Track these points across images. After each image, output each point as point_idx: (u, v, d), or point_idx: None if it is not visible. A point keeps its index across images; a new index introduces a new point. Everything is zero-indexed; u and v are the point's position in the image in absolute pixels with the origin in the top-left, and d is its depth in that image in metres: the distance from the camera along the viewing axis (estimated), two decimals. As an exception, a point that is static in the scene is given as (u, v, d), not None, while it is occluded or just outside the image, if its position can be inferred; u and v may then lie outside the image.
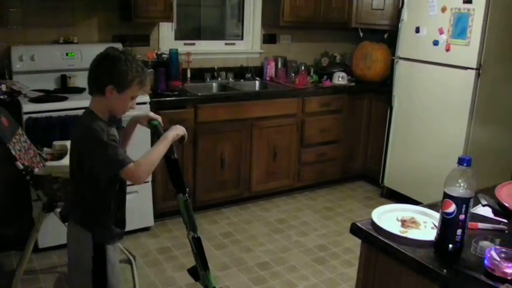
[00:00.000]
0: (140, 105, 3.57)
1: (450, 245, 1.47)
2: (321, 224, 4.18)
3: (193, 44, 4.70)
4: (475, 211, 1.82)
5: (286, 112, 4.47)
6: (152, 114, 2.31)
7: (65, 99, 3.50)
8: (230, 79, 4.72)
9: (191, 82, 4.48)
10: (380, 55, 4.90)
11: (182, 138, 2.22)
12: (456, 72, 3.96)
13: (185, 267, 3.32)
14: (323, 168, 4.87)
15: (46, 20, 3.87)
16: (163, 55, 4.25)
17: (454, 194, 1.44)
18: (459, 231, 1.45)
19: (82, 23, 4.04)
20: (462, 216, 1.44)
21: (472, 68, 3.84)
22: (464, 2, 3.84)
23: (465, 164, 1.44)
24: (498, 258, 1.38)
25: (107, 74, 2.01)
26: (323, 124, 4.73)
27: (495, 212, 1.83)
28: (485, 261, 1.40)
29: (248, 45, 5.01)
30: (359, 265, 1.76)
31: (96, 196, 2.07)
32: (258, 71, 4.95)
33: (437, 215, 1.59)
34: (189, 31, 4.82)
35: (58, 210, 2.86)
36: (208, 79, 4.62)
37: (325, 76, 4.95)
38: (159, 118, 2.30)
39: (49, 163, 2.83)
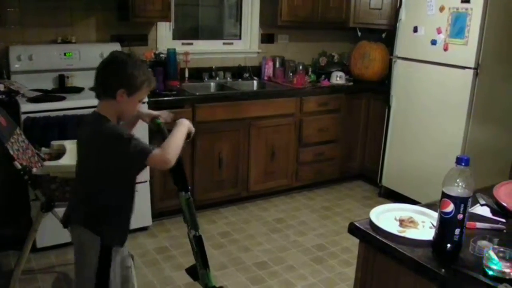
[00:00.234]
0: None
1: (448, 245, 1.47)
2: (319, 224, 4.18)
3: (191, 43, 4.70)
4: (473, 211, 1.82)
5: (284, 112, 4.47)
6: (154, 113, 2.36)
7: (63, 99, 3.50)
8: (228, 78, 4.72)
9: (189, 81, 4.48)
10: (378, 55, 4.91)
11: (188, 134, 2.26)
12: (454, 72, 3.96)
13: (183, 267, 3.32)
14: (321, 167, 4.87)
15: (44, 20, 3.87)
16: (161, 55, 4.24)
17: (452, 193, 1.44)
18: (457, 231, 1.45)
19: (80, 23, 4.04)
20: (460, 216, 1.44)
21: (470, 68, 3.85)
22: (462, 2, 3.84)
23: (463, 164, 1.45)
24: (496, 258, 1.38)
25: (116, 78, 2.02)
26: (321, 123, 4.73)
27: (493, 211, 1.84)
28: (483, 261, 1.40)
29: (246, 45, 5.01)
30: (357, 265, 1.76)
31: (110, 196, 2.09)
32: (256, 71, 4.95)
33: (435, 215, 1.59)
34: (187, 31, 4.82)
35: (56, 210, 2.86)
36: (206, 79, 4.62)
37: (323, 76, 4.96)
38: (163, 114, 2.36)
39: (47, 163, 2.83)
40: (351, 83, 4.98)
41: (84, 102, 3.48)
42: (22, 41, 3.80)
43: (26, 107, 3.27)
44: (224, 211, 4.31)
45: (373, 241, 1.63)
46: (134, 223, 3.70)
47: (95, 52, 3.98)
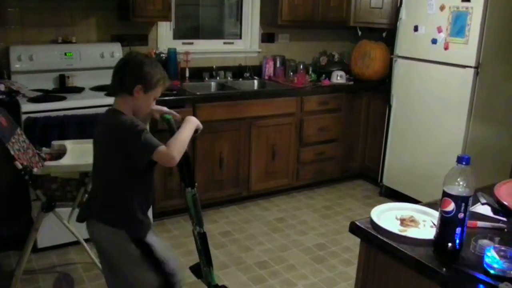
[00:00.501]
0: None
1: (449, 244, 1.47)
2: (320, 223, 4.18)
3: (192, 43, 4.70)
4: (474, 210, 1.82)
5: (285, 111, 4.47)
6: (165, 109, 2.43)
7: (63, 98, 3.50)
8: (229, 78, 4.72)
9: (190, 81, 4.48)
10: (379, 54, 4.91)
11: (195, 130, 2.35)
12: (455, 71, 3.96)
13: (184, 266, 3.33)
14: (322, 167, 4.87)
15: (45, 20, 3.87)
16: (161, 55, 4.25)
17: (453, 192, 1.44)
18: (458, 230, 1.45)
19: (81, 23, 4.04)
20: (461, 215, 1.44)
21: (470, 67, 3.84)
22: (462, 1, 3.84)
23: (464, 163, 1.44)
24: (497, 257, 1.38)
25: (135, 75, 2.14)
26: (322, 123, 4.73)
27: (494, 210, 1.84)
28: (484, 260, 1.40)
29: (246, 44, 5.01)
30: (358, 264, 1.76)
31: (128, 188, 2.16)
32: (257, 70, 4.95)
33: (436, 214, 1.59)
34: (188, 31, 4.81)
35: (57, 210, 2.86)
36: (206, 78, 4.62)
37: (323, 75, 4.96)
38: (173, 112, 2.43)
39: (48, 163, 2.83)
40: (351, 82, 4.97)
41: (85, 102, 3.49)
42: (22, 41, 3.80)
43: (26, 107, 3.28)
44: (225, 210, 4.31)
45: (374, 240, 1.63)
46: (135, 223, 3.69)
47: (96, 52, 3.99)
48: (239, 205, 4.44)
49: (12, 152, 2.64)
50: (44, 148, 3.07)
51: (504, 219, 1.77)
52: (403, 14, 4.39)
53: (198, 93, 4.07)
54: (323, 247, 3.77)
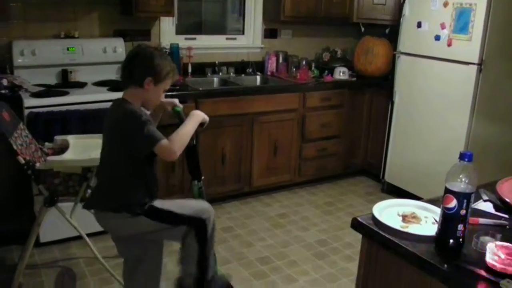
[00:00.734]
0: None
1: (451, 240, 1.47)
2: (322, 219, 4.18)
3: (194, 38, 4.70)
4: (476, 207, 1.82)
5: (287, 107, 4.47)
6: (176, 102, 2.48)
7: (66, 93, 3.51)
8: (231, 74, 4.72)
9: (192, 76, 4.48)
10: (382, 50, 4.89)
11: (202, 124, 2.41)
12: (458, 67, 3.95)
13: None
14: (324, 163, 4.87)
15: (47, 15, 3.87)
16: (164, 50, 4.24)
17: (455, 189, 1.44)
18: (460, 226, 1.45)
19: (83, 18, 4.04)
20: (463, 211, 1.44)
21: (473, 64, 3.84)
22: (466, -3, 3.83)
23: (466, 159, 1.44)
24: (499, 253, 1.38)
25: (145, 68, 2.19)
26: (324, 119, 4.73)
27: (496, 207, 1.83)
28: (486, 257, 1.40)
29: (249, 40, 5.00)
30: (359, 260, 1.76)
31: (134, 175, 2.22)
32: (259, 66, 4.94)
33: (438, 210, 1.59)
34: (190, 26, 4.81)
35: (60, 204, 2.87)
36: (209, 74, 4.61)
37: (326, 71, 4.95)
38: (181, 106, 2.49)
39: (50, 158, 2.83)
40: (354, 79, 4.97)
41: (87, 97, 3.49)
42: (25, 36, 3.80)
43: (29, 102, 3.28)
44: (227, 206, 4.32)
45: (375, 237, 1.63)
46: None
47: (98, 47, 3.99)
48: (241, 201, 4.44)
49: (14, 147, 2.65)
50: (46, 143, 3.08)
51: (506, 216, 1.76)
52: (406, 10, 4.38)
53: (200, 89, 4.07)
54: (325, 243, 3.78)
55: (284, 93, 4.44)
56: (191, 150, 2.43)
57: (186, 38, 4.62)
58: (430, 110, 4.23)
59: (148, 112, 2.33)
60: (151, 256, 2.44)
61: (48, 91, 3.56)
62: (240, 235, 3.84)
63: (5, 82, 3.43)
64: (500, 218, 1.75)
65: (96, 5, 4.04)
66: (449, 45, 4.01)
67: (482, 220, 1.70)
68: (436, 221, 1.63)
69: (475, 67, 3.83)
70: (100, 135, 3.08)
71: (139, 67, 2.19)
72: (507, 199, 1.80)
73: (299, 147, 4.66)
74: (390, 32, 4.87)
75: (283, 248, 3.67)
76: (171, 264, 3.33)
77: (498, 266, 1.36)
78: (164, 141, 2.11)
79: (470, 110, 3.90)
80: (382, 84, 4.83)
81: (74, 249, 3.49)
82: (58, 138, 3.11)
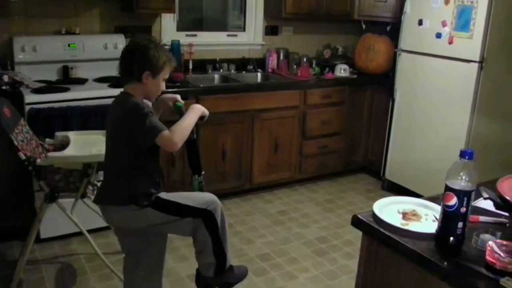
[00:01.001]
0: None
1: (451, 238, 1.47)
2: (322, 216, 4.19)
3: (195, 35, 4.69)
4: (476, 204, 1.82)
5: (288, 104, 4.47)
6: (178, 97, 2.50)
7: (67, 90, 3.51)
8: (232, 70, 4.71)
9: (193, 73, 4.48)
10: (383, 48, 4.89)
11: (201, 117, 2.42)
12: (459, 65, 3.95)
13: (186, 258, 3.35)
14: (325, 160, 4.87)
15: (48, 11, 3.87)
16: (165, 46, 4.23)
17: (456, 187, 1.44)
18: (460, 224, 1.46)
19: (84, 14, 4.03)
20: (463, 209, 1.44)
21: (475, 61, 3.83)
22: (467, -5, 3.83)
23: (467, 157, 1.44)
24: (499, 251, 1.39)
25: (141, 62, 2.20)
26: (325, 116, 4.72)
27: (496, 205, 1.84)
28: (486, 254, 1.41)
29: (250, 37, 5.00)
30: (359, 257, 1.76)
31: (139, 167, 2.24)
32: (260, 63, 4.94)
33: (438, 208, 1.59)
34: (191, 22, 4.80)
35: (60, 200, 2.87)
36: (210, 71, 4.61)
37: (327, 68, 4.94)
38: (183, 101, 2.51)
39: (51, 154, 2.84)
40: (355, 76, 4.96)
41: (88, 93, 3.49)
42: (26, 32, 3.80)
43: (30, 98, 3.28)
44: (227, 203, 4.32)
45: (376, 234, 1.63)
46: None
47: (99, 44, 3.99)
48: (241, 198, 4.44)
49: (15, 143, 2.65)
50: (47, 139, 3.08)
51: (506, 214, 1.77)
52: (407, 7, 4.37)
53: (201, 85, 4.07)
54: (325, 240, 3.78)
55: (285, 90, 4.44)
56: (191, 144, 2.45)
57: (187, 35, 4.62)
58: (431, 107, 4.23)
59: (150, 104, 2.36)
60: (155, 250, 2.45)
61: (49, 87, 3.56)
62: (241, 232, 3.84)
63: (6, 78, 3.43)
64: (500, 216, 1.75)
65: (97, 1, 4.04)
66: (450, 42, 4.01)
67: (482, 218, 1.71)
68: (436, 218, 1.64)
69: (476, 65, 3.83)
70: (101, 131, 3.11)
71: (135, 63, 2.21)
72: (507, 197, 1.80)
73: (300, 144, 4.66)
74: (391, 29, 4.86)
75: (283, 245, 3.68)
76: (171, 261, 3.35)
77: (498, 264, 1.37)
78: (166, 132, 2.14)
79: (471, 108, 3.90)
80: (383, 82, 4.82)
81: (75, 245, 3.49)
82: (59, 134, 3.11)
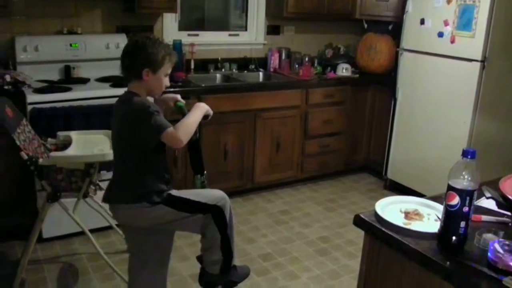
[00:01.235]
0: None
1: (454, 237, 1.47)
2: (324, 216, 4.19)
3: (197, 35, 4.69)
4: (479, 204, 1.82)
5: (290, 104, 4.47)
6: (178, 97, 2.52)
7: (69, 89, 3.51)
8: (234, 70, 4.71)
9: (195, 73, 4.48)
10: (385, 47, 4.88)
11: (206, 116, 2.43)
12: (461, 64, 3.94)
13: (188, 258, 3.35)
14: (326, 159, 4.87)
15: (50, 11, 3.87)
16: (164, 42, 4.23)
17: (458, 186, 1.44)
18: (462, 224, 1.45)
19: (86, 14, 4.04)
20: (466, 209, 1.44)
21: (477, 61, 3.82)
22: (469, -6, 3.82)
23: (469, 157, 1.44)
24: (501, 251, 1.38)
25: (140, 60, 2.21)
26: (327, 115, 4.72)
27: (499, 204, 1.83)
28: (489, 254, 1.40)
29: (252, 36, 5.00)
30: (362, 257, 1.76)
31: (147, 165, 2.26)
32: (262, 62, 4.94)
33: (440, 207, 1.59)
34: (193, 22, 4.81)
35: (62, 200, 2.88)
36: (211, 70, 4.61)
37: (329, 68, 4.94)
38: (184, 101, 2.52)
39: (53, 154, 2.84)
40: (357, 75, 4.96)
41: (90, 93, 3.49)
42: (28, 32, 3.80)
43: (32, 98, 3.28)
44: (229, 202, 4.32)
45: (378, 233, 1.63)
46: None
47: (101, 43, 3.99)
48: (243, 197, 4.44)
49: (17, 143, 2.66)
50: (49, 139, 3.09)
51: (509, 213, 1.76)
52: (409, 7, 4.36)
53: (203, 85, 4.07)
54: (327, 240, 3.78)
55: (287, 89, 4.44)
56: (194, 144, 2.45)
57: (189, 34, 4.62)
58: (433, 107, 4.22)
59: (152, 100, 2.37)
60: (162, 249, 2.47)
61: (51, 87, 3.56)
62: (243, 232, 3.84)
63: (8, 78, 3.43)
64: (503, 215, 1.75)
65: (99, 1, 4.04)
66: (452, 42, 4.00)
67: (484, 217, 1.70)
68: (438, 218, 1.63)
69: (478, 64, 3.82)
70: (103, 131, 3.12)
71: (135, 61, 2.22)
72: (510, 197, 1.80)
73: (302, 144, 4.65)
74: (393, 28, 4.86)
75: (285, 245, 3.68)
76: (173, 261, 3.34)
77: (501, 263, 1.36)
78: (170, 129, 2.14)
79: (473, 107, 3.89)
80: (385, 81, 4.82)
81: (77, 244, 3.50)
82: (61, 134, 3.12)
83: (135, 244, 2.44)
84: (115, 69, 4.07)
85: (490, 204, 1.84)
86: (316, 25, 5.25)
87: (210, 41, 4.75)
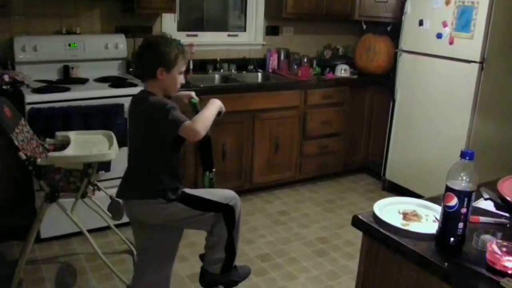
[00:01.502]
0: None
1: (452, 239, 1.47)
2: (322, 217, 4.19)
3: (196, 35, 4.69)
4: (477, 205, 1.82)
5: (288, 104, 4.47)
6: (193, 94, 2.56)
7: (67, 89, 3.50)
8: (233, 70, 4.71)
9: (194, 73, 4.48)
10: (383, 48, 4.89)
11: (218, 112, 2.45)
12: (460, 66, 3.95)
13: (186, 258, 3.35)
14: (325, 160, 4.87)
15: (49, 11, 3.87)
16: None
17: (456, 187, 1.44)
18: (460, 225, 1.45)
19: (85, 14, 4.03)
20: (464, 210, 1.44)
21: (475, 62, 3.83)
22: (468, -5, 3.83)
23: (467, 158, 1.44)
24: (499, 252, 1.38)
25: (154, 59, 2.25)
26: (325, 116, 4.72)
27: (497, 206, 1.83)
28: (487, 255, 1.41)
29: (250, 37, 5.00)
30: (360, 258, 1.76)
31: (164, 163, 2.30)
32: (261, 63, 4.94)
33: (439, 208, 1.59)
34: (192, 22, 4.81)
35: (61, 200, 2.87)
36: (210, 71, 4.61)
37: (327, 69, 4.94)
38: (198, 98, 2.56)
39: (51, 154, 2.84)
40: (355, 76, 4.96)
41: (89, 93, 3.49)
42: (26, 32, 3.80)
43: (30, 97, 3.28)
44: (227, 203, 4.32)
45: (376, 234, 1.63)
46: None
47: (100, 43, 3.99)
48: (241, 198, 4.34)
49: (16, 143, 2.65)
50: (48, 139, 3.08)
51: (507, 214, 1.77)
52: (408, 8, 4.37)
53: (201, 86, 4.07)
54: (325, 241, 3.78)
55: (286, 90, 4.44)
56: (205, 140, 2.47)
57: (187, 35, 4.62)
58: (431, 108, 4.22)
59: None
60: (170, 248, 2.50)
61: (49, 87, 3.56)
62: (241, 232, 3.77)
63: (6, 77, 3.43)
64: (501, 216, 1.75)
65: (97, 1, 4.04)
66: (450, 43, 4.01)
67: (482, 219, 1.71)
68: (436, 219, 1.63)
69: (476, 65, 3.82)
70: (102, 131, 3.12)
71: (148, 61, 2.26)
72: (508, 198, 1.80)
73: (300, 145, 4.66)
74: (392, 29, 4.86)
75: (284, 245, 3.68)
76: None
77: (498, 264, 1.36)
78: (188, 122, 2.17)
79: (471, 109, 3.90)
80: (384, 82, 4.82)
81: (75, 245, 3.49)
82: (59, 134, 3.12)
83: (145, 242, 2.46)
84: (114, 69, 4.08)
85: (488, 205, 1.85)
86: (315, 26, 5.26)
87: (209, 42, 4.75)
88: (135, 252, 3.36)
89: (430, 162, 4.21)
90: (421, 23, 4.25)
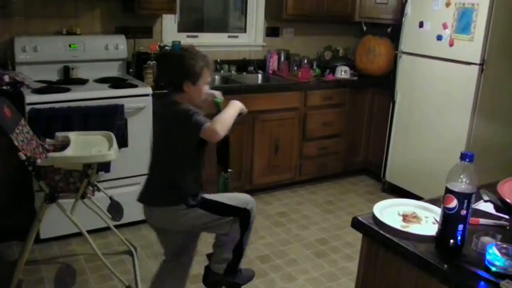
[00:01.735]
0: (141, 97, 3.58)
1: (451, 240, 1.47)
2: (322, 218, 4.19)
3: (196, 36, 4.69)
4: (476, 207, 1.82)
5: (288, 106, 4.47)
6: (217, 93, 2.61)
7: (67, 90, 3.50)
8: (233, 72, 4.72)
9: (194, 74, 4.47)
10: (383, 50, 4.89)
11: (239, 113, 2.51)
12: (460, 68, 3.95)
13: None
14: (325, 162, 4.87)
15: (49, 11, 3.87)
16: (166, 47, 4.24)
17: (456, 189, 1.44)
18: (460, 227, 1.45)
19: (85, 15, 4.03)
20: (463, 212, 1.44)
21: (475, 64, 3.83)
22: (468, -3, 3.83)
23: (467, 160, 1.44)
24: (499, 254, 1.38)
25: (179, 73, 2.31)
26: (325, 118, 4.72)
27: (496, 208, 1.83)
28: (486, 257, 1.40)
29: (251, 38, 5.00)
30: (359, 259, 1.76)
31: (187, 169, 2.35)
32: (261, 64, 4.94)
33: (438, 210, 1.59)
34: (192, 23, 4.81)
35: (60, 201, 2.87)
36: (210, 72, 4.61)
37: (327, 70, 4.95)
38: (221, 96, 2.63)
39: (51, 154, 2.84)
40: (355, 78, 4.96)
41: (89, 94, 3.49)
42: (27, 32, 3.80)
43: (30, 98, 3.28)
44: (227, 204, 4.32)
45: (376, 236, 1.63)
46: (138, 215, 3.75)
47: (100, 44, 3.99)
48: (241, 199, 4.43)
49: (16, 143, 2.65)
50: (48, 140, 3.08)
51: (507, 216, 1.76)
52: (408, 9, 4.37)
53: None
54: (325, 242, 3.78)
55: (286, 91, 4.44)
56: (224, 141, 2.50)
57: (188, 36, 4.62)
58: (431, 110, 4.23)
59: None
60: (192, 251, 2.56)
61: (49, 87, 3.56)
62: (240, 233, 3.83)
63: (6, 78, 3.43)
64: (501, 218, 1.75)
65: (98, 1, 4.04)
66: (451, 45, 4.01)
67: (482, 221, 1.70)
68: (436, 221, 1.63)
69: (476, 67, 3.83)
70: (101, 132, 3.12)
71: (174, 76, 2.33)
72: (507, 200, 1.80)
73: (300, 146, 4.66)
74: (392, 31, 4.87)
75: (283, 247, 3.68)
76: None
77: (498, 266, 1.36)
78: (207, 124, 2.21)
79: (471, 110, 3.90)
80: (384, 84, 4.82)
81: (74, 245, 3.49)
82: (59, 134, 3.11)
83: (171, 249, 2.53)
84: (114, 70, 4.08)
85: (488, 207, 1.84)
86: (315, 27, 5.26)
87: (209, 43, 4.74)
88: (134, 253, 3.37)
89: (430, 164, 4.21)
90: (421, 25, 4.26)
